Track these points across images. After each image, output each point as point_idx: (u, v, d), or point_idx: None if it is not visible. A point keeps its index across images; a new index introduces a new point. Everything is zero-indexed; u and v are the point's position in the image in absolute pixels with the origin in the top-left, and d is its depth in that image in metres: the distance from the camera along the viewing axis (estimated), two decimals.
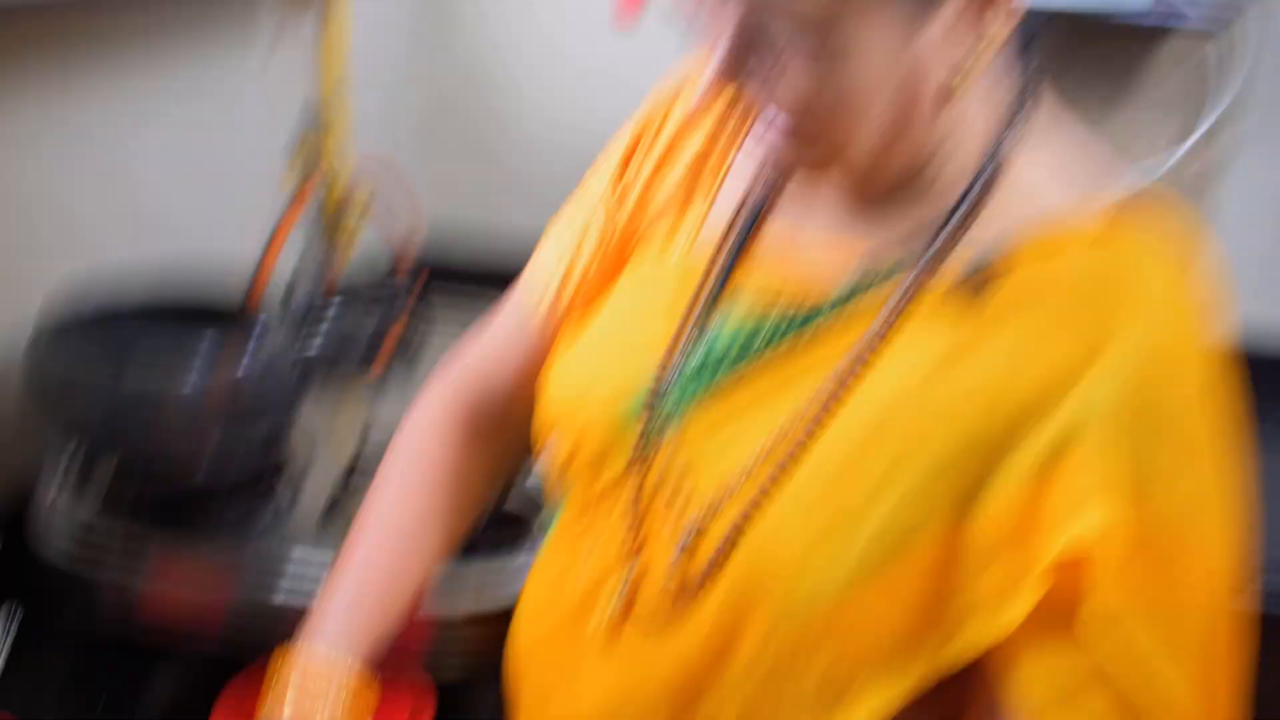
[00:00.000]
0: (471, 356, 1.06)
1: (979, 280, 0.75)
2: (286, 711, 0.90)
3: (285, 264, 1.99)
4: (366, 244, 2.32)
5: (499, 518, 1.35)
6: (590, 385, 0.88)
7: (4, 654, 1.15)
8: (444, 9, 2.45)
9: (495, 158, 2.53)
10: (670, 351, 0.85)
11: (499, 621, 1.17)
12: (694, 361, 0.83)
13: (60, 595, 1.30)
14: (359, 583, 0.97)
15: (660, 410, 0.83)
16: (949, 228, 0.77)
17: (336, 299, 1.76)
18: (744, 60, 0.73)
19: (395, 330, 1.78)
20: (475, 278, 2.25)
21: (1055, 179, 0.78)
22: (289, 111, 1.96)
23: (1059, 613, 0.70)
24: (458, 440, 1.02)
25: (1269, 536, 0.82)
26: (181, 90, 1.68)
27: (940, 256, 0.77)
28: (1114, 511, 0.68)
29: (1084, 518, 0.68)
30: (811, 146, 0.76)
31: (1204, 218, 2.31)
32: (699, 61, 0.77)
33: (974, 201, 0.77)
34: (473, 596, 1.23)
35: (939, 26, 0.72)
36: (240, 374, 1.25)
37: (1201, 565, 0.71)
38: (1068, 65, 2.24)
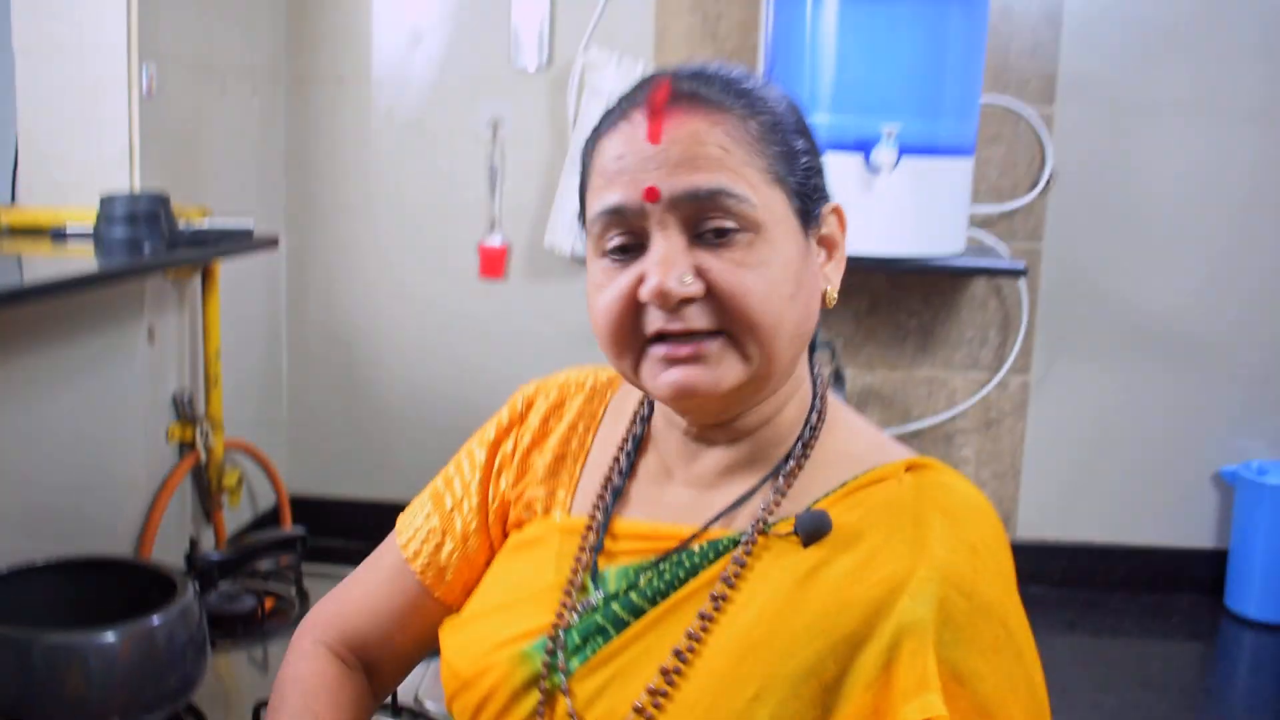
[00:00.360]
0: (344, 597, 1.13)
1: (808, 532, 0.88)
2: None
3: (167, 531, 2.03)
4: (239, 516, 2.37)
5: None
6: (491, 648, 0.95)
7: None
8: (304, 299, 2.58)
9: (360, 431, 2.62)
10: (559, 620, 0.94)
11: None
12: (577, 626, 0.93)
13: None
14: None
15: (557, 661, 0.92)
16: (780, 484, 0.92)
17: (214, 566, 1.80)
18: (686, 263, 0.85)
19: (268, 598, 1.82)
20: (344, 545, 2.30)
21: (856, 444, 0.95)
22: (165, 399, 2.06)
23: None
24: (336, 673, 1.09)
25: None
26: (72, 376, 1.76)
27: (774, 507, 0.90)
28: (935, 705, 0.79)
29: (914, 709, 0.79)
30: (739, 349, 0.87)
31: (1014, 439, 2.56)
32: (602, 297, 0.90)
33: (798, 461, 0.93)
34: None
35: (811, 257, 0.90)
36: (155, 623, 1.29)
37: None
38: (893, 303, 2.51)
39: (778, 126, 0.89)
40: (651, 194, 0.85)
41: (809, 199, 0.91)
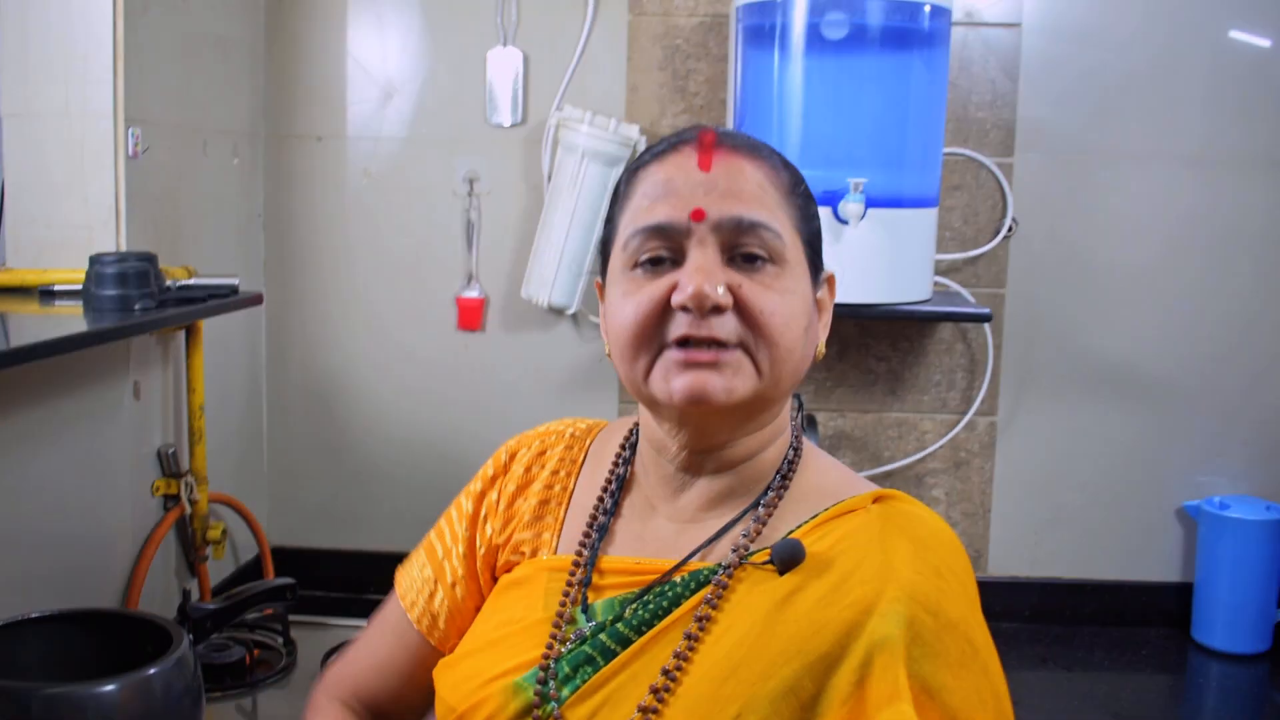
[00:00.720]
0: (354, 655, 1.18)
1: (783, 562, 0.94)
2: None
3: (153, 584, 2.05)
4: (223, 568, 2.39)
5: None
6: (483, 687, 1.00)
7: None
8: (284, 353, 2.62)
9: (341, 482, 2.65)
10: (552, 640, 1.00)
11: None
12: (566, 657, 0.98)
13: None
14: None
15: (549, 690, 0.97)
16: (760, 514, 0.99)
17: (210, 615, 1.83)
18: (722, 279, 0.92)
19: (253, 654, 1.85)
20: (329, 598, 2.33)
21: (827, 478, 1.02)
22: (150, 454, 2.09)
23: None
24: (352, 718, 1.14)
25: None
26: (59, 432, 1.79)
27: (752, 538, 0.97)
28: (906, 715, 0.84)
29: (887, 715, 0.84)
30: (754, 364, 0.93)
31: (983, 479, 2.62)
32: (627, 311, 0.96)
33: (776, 493, 1.00)
34: None
35: (813, 308, 0.99)
36: (152, 673, 1.31)
37: None
38: (862, 348, 2.57)
39: (803, 186, 1.01)
40: (699, 214, 0.93)
41: (817, 258, 1.01)
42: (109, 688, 1.29)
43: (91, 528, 1.89)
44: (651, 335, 0.94)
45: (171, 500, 2.12)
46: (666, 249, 0.94)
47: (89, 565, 1.88)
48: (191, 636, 1.45)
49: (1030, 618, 2.61)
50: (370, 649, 1.17)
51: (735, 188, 0.94)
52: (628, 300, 0.95)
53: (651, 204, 0.95)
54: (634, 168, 1.00)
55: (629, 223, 0.97)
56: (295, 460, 2.65)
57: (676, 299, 0.92)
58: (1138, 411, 2.58)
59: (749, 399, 0.94)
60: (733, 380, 0.93)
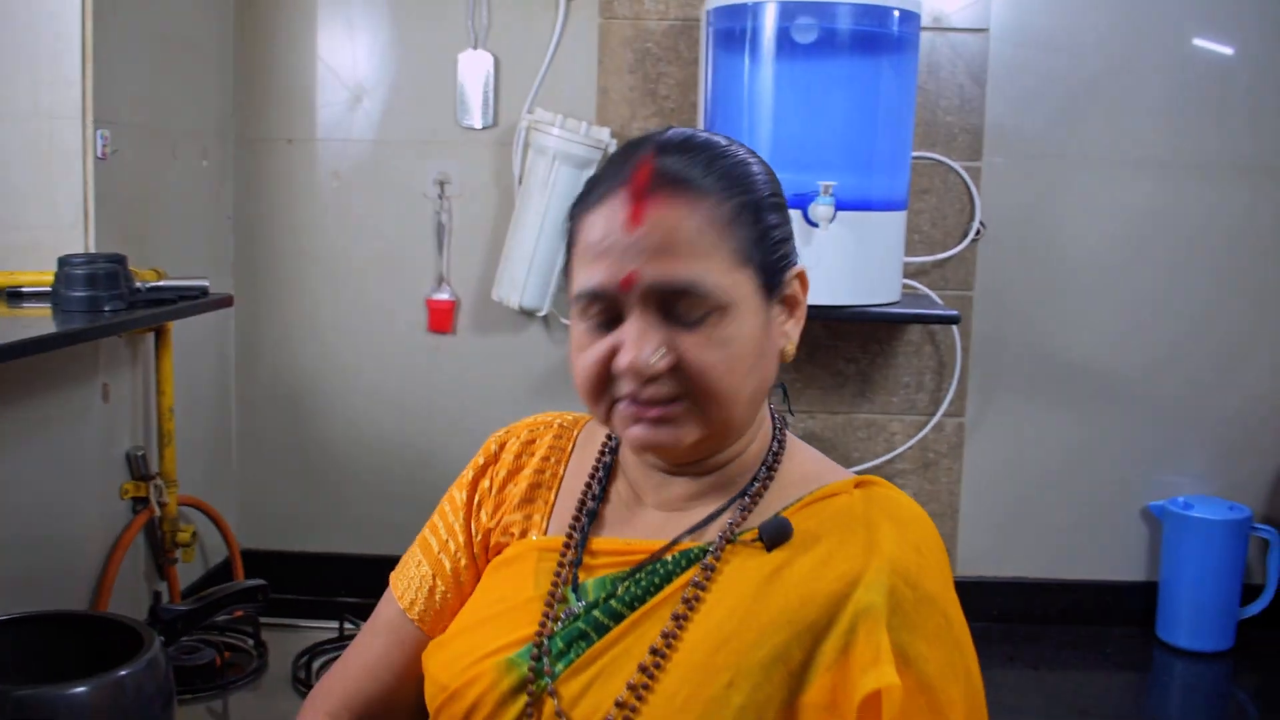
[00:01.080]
0: (346, 665, 1.18)
1: (770, 539, 0.98)
2: None
3: (123, 587, 2.04)
4: (192, 571, 2.38)
5: None
6: (476, 665, 1.02)
7: None
8: (254, 355, 2.61)
9: (311, 485, 2.64)
10: (544, 619, 1.02)
11: None
12: (560, 633, 1.00)
13: None
14: None
15: (543, 666, 0.99)
16: (746, 502, 1.02)
17: (181, 616, 1.82)
18: (657, 341, 0.93)
19: (223, 657, 1.84)
20: (298, 602, 2.33)
21: (809, 466, 1.06)
22: (119, 456, 2.08)
23: None
24: None
25: None
26: (28, 434, 1.78)
27: (740, 522, 1.00)
28: (888, 675, 0.88)
29: (870, 679, 0.88)
30: (700, 414, 0.96)
31: (951, 480, 2.65)
32: (583, 360, 0.98)
33: (762, 483, 1.03)
34: None
35: (773, 325, 1.00)
36: (123, 674, 1.30)
37: (956, 716, 0.91)
38: (831, 350, 2.59)
39: (751, 206, 0.98)
40: (628, 283, 0.94)
41: (775, 272, 1.00)
42: (80, 689, 1.28)
43: (60, 530, 1.88)
44: (602, 390, 0.97)
45: (141, 503, 2.11)
46: (607, 312, 0.96)
47: (58, 567, 1.87)
48: (162, 639, 1.44)
49: (998, 617, 2.64)
50: (362, 655, 1.17)
51: (667, 243, 0.93)
52: (579, 354, 0.98)
53: (588, 266, 0.96)
54: (578, 205, 1.00)
55: (575, 275, 0.98)
56: (265, 463, 2.64)
57: (616, 366, 0.95)
58: (1104, 412, 2.61)
59: (699, 441, 0.98)
60: (679, 431, 0.97)
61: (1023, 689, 2.37)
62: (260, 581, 1.88)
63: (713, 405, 0.96)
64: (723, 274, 0.95)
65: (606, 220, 0.95)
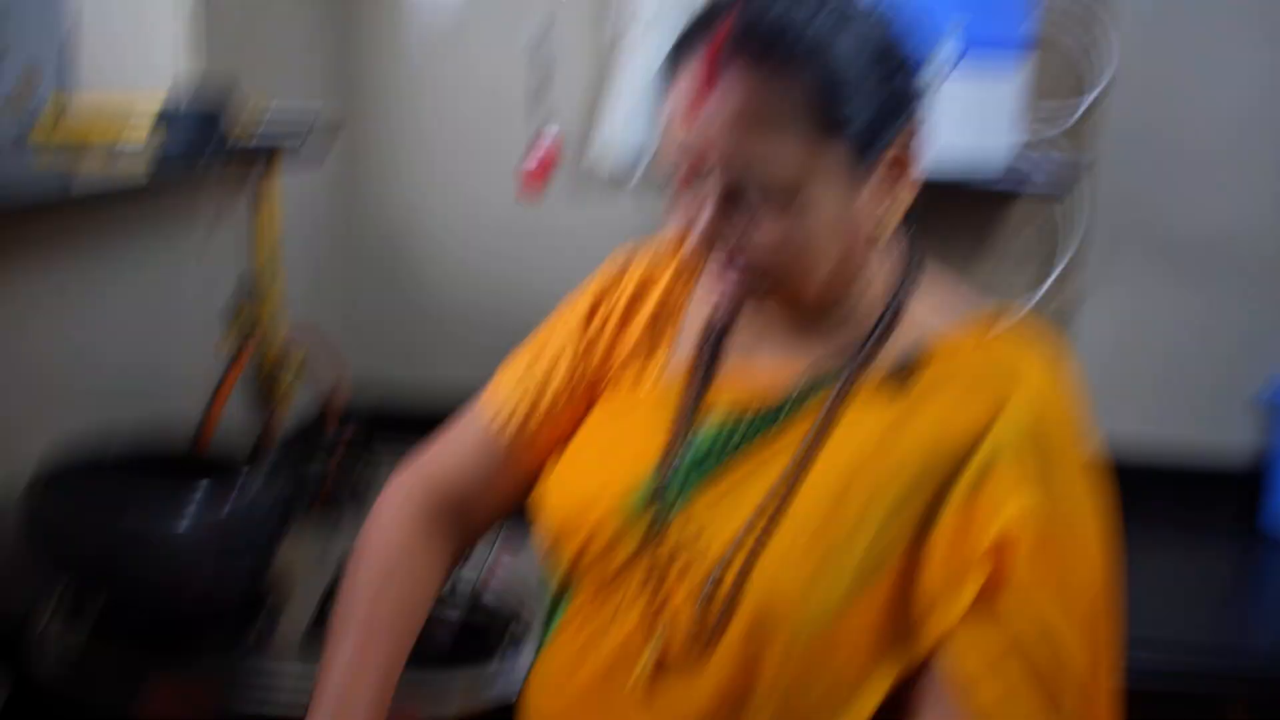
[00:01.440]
0: (430, 462, 1.18)
1: (899, 376, 0.97)
2: None
3: (229, 421, 2.07)
4: (301, 401, 2.41)
5: (469, 629, 1.44)
6: (597, 490, 1.03)
7: None
8: (362, 181, 2.60)
9: (414, 319, 2.65)
10: (665, 455, 1.01)
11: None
12: (686, 460, 1.00)
13: (62, 708, 1.32)
14: (352, 684, 1.03)
15: (665, 500, 0.98)
16: (871, 341, 1.00)
17: (281, 449, 1.85)
18: (725, 220, 0.93)
19: (335, 476, 1.87)
20: (405, 426, 2.35)
21: (940, 310, 1.03)
22: (226, 284, 2.09)
23: (988, 596, 0.89)
24: (421, 532, 1.14)
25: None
26: (136, 273, 1.79)
27: (866, 363, 0.99)
28: (1026, 503, 0.89)
29: (1005, 512, 0.89)
30: (774, 285, 0.96)
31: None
32: (667, 227, 0.97)
33: (887, 324, 1.01)
34: (460, 699, 1.30)
35: (868, 192, 0.96)
36: (226, 513, 1.34)
37: (1087, 556, 0.93)
38: (933, 225, 2.50)
39: (844, 71, 0.90)
40: (697, 161, 0.92)
41: (872, 137, 0.93)
42: (189, 514, 1.30)
43: (167, 365, 1.90)
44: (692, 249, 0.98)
45: (247, 336, 2.13)
46: (689, 178, 0.95)
47: (164, 402, 1.89)
48: (270, 466, 1.47)
49: None
50: (453, 453, 1.17)
51: (739, 116, 0.89)
52: (669, 216, 0.99)
53: (663, 142, 0.95)
54: (661, 71, 0.97)
55: (660, 140, 0.98)
56: (370, 295, 2.65)
57: (688, 244, 0.96)
58: (1223, 293, 2.50)
59: (784, 306, 1.00)
60: (757, 301, 0.99)
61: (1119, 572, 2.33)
62: (365, 409, 1.89)
63: (785, 284, 0.96)
64: (794, 154, 0.90)
65: (682, 88, 0.92)
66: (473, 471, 1.15)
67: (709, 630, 0.94)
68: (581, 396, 1.13)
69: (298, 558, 1.65)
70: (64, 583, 1.39)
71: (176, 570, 1.30)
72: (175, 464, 1.49)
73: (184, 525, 1.30)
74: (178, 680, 1.32)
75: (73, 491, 1.33)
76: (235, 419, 2.10)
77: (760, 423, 0.99)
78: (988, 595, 0.89)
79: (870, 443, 0.94)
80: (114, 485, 1.41)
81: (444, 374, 2.61)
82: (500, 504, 1.16)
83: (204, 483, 1.34)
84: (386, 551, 1.12)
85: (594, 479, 1.05)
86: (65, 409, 1.57)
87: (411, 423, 1.77)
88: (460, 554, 1.19)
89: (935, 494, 0.91)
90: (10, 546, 1.43)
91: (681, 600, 0.96)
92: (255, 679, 1.33)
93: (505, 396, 1.14)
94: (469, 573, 1.49)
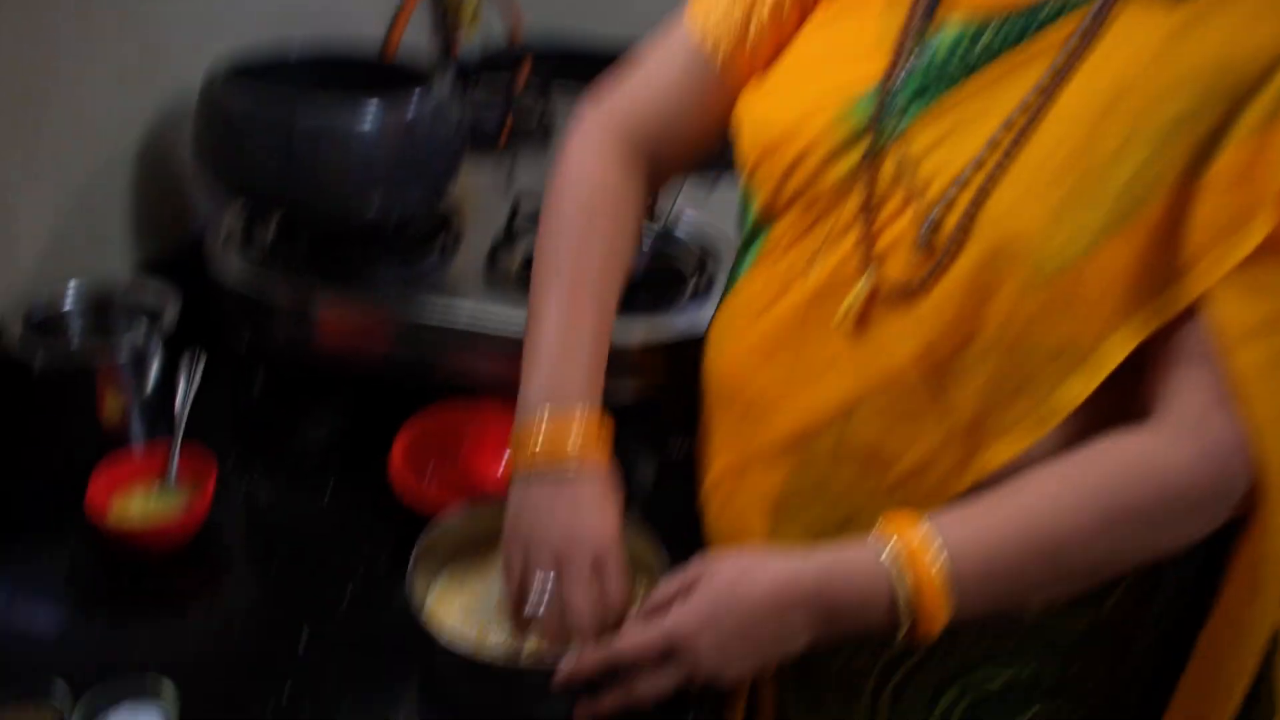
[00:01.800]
0: (630, 87, 1.05)
1: None
2: (540, 448, 0.91)
3: (411, 40, 1.99)
4: (486, 23, 2.31)
5: (658, 263, 1.37)
6: (810, 109, 0.89)
7: (192, 393, 1.17)
8: None
9: None
10: (890, 70, 0.86)
11: (668, 351, 1.22)
12: (914, 76, 0.85)
13: (238, 327, 1.30)
14: (567, 334, 0.97)
15: (887, 121, 0.84)
16: None
17: (465, 71, 1.76)
18: None
19: (516, 110, 1.78)
20: (588, 57, 2.24)
21: None
22: None
23: (1267, 253, 0.76)
24: (618, 166, 1.03)
25: None
26: None
27: None
28: None
29: None
30: None
31: None
32: None
33: None
34: (643, 330, 1.24)
35: None
36: (410, 118, 1.25)
37: None
38: None
39: None
40: None
41: None
42: (370, 112, 1.22)
43: None
44: None
45: None
46: None
47: (346, 20, 1.80)
48: (454, 81, 1.37)
49: None
50: (650, 80, 1.05)
51: None
52: None
53: None
54: None
55: None
56: None
57: None
58: None
59: None
60: None
61: None
62: (546, 40, 1.78)
63: None
64: None
65: None
66: (677, 100, 1.02)
67: (934, 262, 0.82)
68: (793, 13, 0.98)
69: (478, 190, 1.58)
70: (238, 200, 1.34)
71: (356, 176, 1.22)
72: (357, 72, 1.40)
73: (365, 125, 1.22)
74: (352, 306, 1.28)
75: (250, 89, 1.23)
76: (418, 45, 2.01)
77: (1006, 30, 0.83)
78: (1265, 255, 0.76)
79: (1145, 54, 0.78)
80: (293, 85, 1.32)
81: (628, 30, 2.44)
82: (700, 138, 1.03)
83: (374, 88, 1.24)
84: (587, 188, 1.02)
85: (806, 85, 0.91)
86: (237, 27, 1.49)
87: (593, 61, 1.66)
88: (653, 194, 1.09)
89: (1221, 119, 0.76)
90: (183, 165, 1.37)
91: (898, 232, 0.85)
92: (432, 311, 1.27)
93: (715, 11, 1.00)
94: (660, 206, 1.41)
